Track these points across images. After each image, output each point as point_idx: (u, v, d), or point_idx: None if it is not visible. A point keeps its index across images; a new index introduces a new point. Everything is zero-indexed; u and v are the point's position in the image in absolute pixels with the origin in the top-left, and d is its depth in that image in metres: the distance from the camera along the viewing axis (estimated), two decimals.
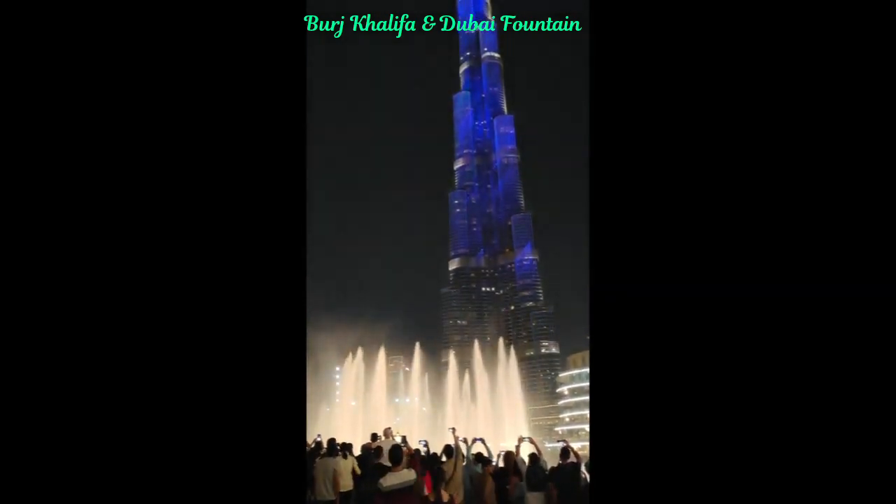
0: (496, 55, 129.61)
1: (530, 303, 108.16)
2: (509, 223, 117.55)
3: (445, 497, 4.62)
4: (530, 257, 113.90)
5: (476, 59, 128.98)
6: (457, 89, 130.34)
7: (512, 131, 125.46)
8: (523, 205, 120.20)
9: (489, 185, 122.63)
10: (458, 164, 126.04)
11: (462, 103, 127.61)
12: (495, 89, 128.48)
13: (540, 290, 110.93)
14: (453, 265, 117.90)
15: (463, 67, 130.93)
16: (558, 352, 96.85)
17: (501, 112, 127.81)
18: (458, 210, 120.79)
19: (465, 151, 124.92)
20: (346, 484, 6.95)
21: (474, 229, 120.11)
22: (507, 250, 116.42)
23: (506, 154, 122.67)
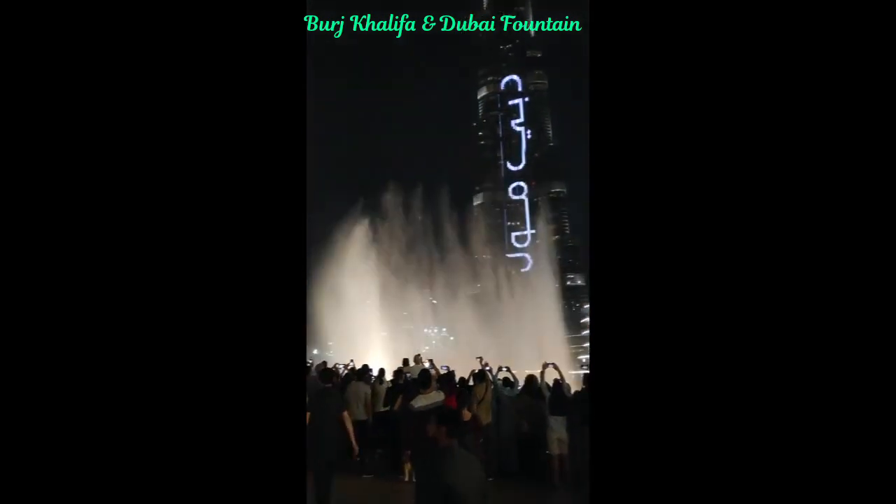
0: None
1: (556, 236, 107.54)
2: (536, 155, 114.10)
3: (466, 416, 4.92)
4: (557, 189, 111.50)
5: None
6: (478, 9, 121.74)
7: (539, 55, 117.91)
8: (551, 134, 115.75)
9: (515, 115, 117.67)
10: (482, 93, 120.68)
11: (485, 25, 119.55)
12: (521, 8, 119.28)
13: (567, 223, 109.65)
14: (478, 200, 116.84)
15: None
16: (584, 283, 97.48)
17: (528, 34, 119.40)
18: (481, 142, 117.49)
19: (489, 79, 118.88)
20: (379, 405, 7.49)
21: (499, 162, 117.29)
22: (533, 183, 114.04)
23: (533, 80, 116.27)
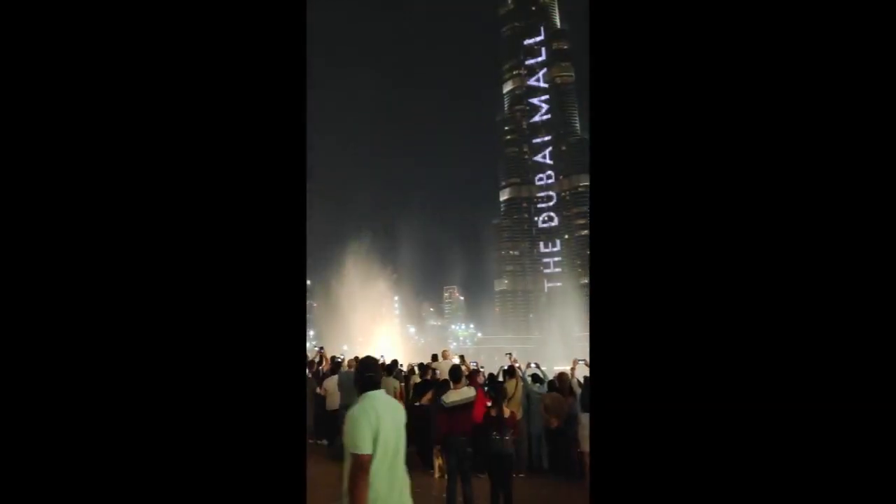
0: None
1: (585, 231, 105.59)
2: (563, 148, 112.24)
3: (507, 413, 4.91)
4: (585, 183, 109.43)
5: None
6: (504, 3, 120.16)
7: (566, 46, 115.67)
8: (579, 128, 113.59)
9: (542, 108, 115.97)
10: (508, 87, 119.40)
11: (510, 18, 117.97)
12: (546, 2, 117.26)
13: None
14: (504, 195, 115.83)
15: None
16: None
17: (555, 25, 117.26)
18: (508, 137, 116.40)
19: (515, 73, 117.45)
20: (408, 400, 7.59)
21: (526, 156, 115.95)
22: (561, 178, 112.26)
23: (559, 73, 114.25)
